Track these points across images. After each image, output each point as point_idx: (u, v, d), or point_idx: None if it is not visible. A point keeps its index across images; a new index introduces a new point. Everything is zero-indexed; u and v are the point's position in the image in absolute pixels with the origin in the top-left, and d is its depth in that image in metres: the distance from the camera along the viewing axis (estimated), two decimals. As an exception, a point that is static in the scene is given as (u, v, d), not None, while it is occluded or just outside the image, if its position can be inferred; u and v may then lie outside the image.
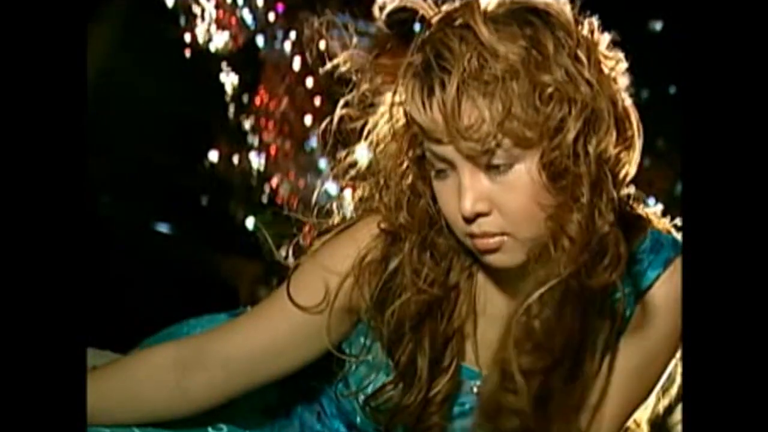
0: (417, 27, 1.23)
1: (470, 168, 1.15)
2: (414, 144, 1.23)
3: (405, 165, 1.25)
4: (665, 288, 1.26)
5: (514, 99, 1.12)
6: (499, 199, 1.16)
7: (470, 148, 1.13)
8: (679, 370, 1.31)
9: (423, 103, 1.15)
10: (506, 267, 1.20)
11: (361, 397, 1.33)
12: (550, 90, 1.13)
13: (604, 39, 1.20)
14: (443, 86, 1.13)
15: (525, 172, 1.15)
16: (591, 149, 1.15)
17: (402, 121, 1.23)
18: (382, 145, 1.27)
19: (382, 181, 1.26)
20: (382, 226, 1.27)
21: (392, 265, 1.26)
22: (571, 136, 1.13)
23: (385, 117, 1.26)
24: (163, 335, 1.47)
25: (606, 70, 1.18)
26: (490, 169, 1.15)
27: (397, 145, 1.25)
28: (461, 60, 1.13)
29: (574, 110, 1.13)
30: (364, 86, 1.25)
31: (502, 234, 1.17)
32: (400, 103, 1.22)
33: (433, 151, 1.18)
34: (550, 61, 1.13)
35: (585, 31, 1.18)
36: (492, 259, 1.19)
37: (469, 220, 1.17)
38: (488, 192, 1.16)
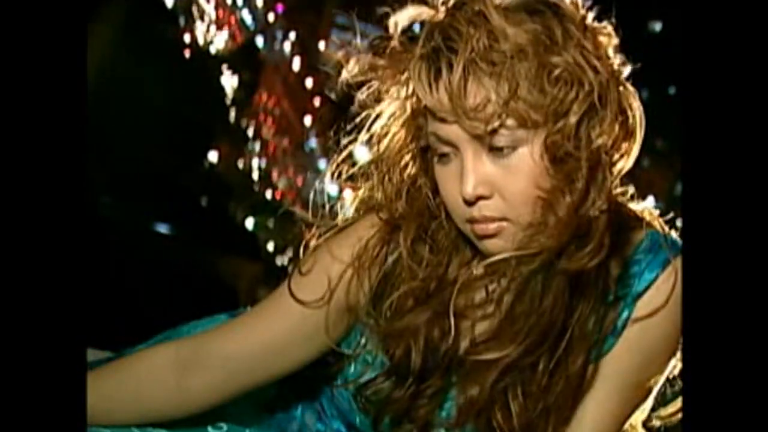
0: (417, 27, 1.23)
1: (473, 150, 1.16)
2: (418, 135, 1.24)
3: (408, 156, 1.26)
4: (663, 289, 1.25)
5: (520, 80, 1.13)
6: (500, 183, 1.16)
7: (474, 128, 1.14)
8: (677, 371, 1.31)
9: (430, 84, 1.16)
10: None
11: (355, 387, 1.33)
12: (557, 73, 1.14)
13: (611, 34, 1.21)
14: (450, 66, 1.14)
15: (528, 155, 1.16)
16: (593, 135, 1.16)
17: (408, 112, 1.24)
18: (386, 138, 1.27)
19: (384, 171, 1.27)
20: (382, 216, 1.27)
21: (392, 257, 1.27)
22: (574, 119, 1.14)
23: (390, 109, 1.26)
24: (161, 339, 1.47)
25: (613, 64, 1.19)
26: (493, 151, 1.16)
27: (401, 137, 1.25)
28: (469, 41, 1.14)
29: (581, 94, 1.15)
30: (371, 80, 1.26)
31: (502, 219, 1.18)
32: (406, 96, 1.22)
33: (438, 133, 1.18)
34: (558, 47, 1.15)
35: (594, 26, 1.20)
36: (490, 245, 1.19)
37: (470, 203, 1.17)
38: (490, 175, 1.16)
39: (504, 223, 1.18)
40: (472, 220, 1.19)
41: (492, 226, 1.18)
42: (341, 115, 1.30)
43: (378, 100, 1.28)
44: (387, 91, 1.26)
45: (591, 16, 1.21)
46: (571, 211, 1.16)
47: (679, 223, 1.29)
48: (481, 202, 1.18)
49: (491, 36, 1.14)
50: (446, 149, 1.19)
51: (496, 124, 1.14)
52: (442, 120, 1.17)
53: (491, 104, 1.14)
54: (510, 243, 1.19)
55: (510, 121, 1.14)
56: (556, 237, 1.16)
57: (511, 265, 1.19)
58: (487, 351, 1.23)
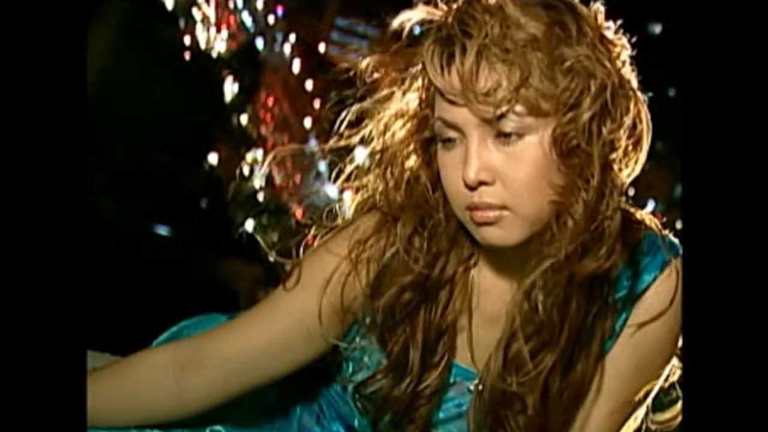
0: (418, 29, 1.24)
1: (479, 135, 1.17)
2: (423, 126, 1.24)
3: (410, 148, 1.27)
4: (662, 290, 1.25)
5: (532, 69, 1.14)
6: (504, 170, 1.17)
7: (483, 111, 1.15)
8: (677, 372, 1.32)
9: (442, 67, 1.17)
10: (502, 245, 1.20)
11: (353, 386, 1.33)
12: (569, 64, 1.15)
13: (625, 45, 1.22)
14: (464, 50, 1.15)
15: (535, 144, 1.16)
16: (605, 131, 1.17)
17: (414, 105, 1.25)
18: (389, 131, 1.28)
19: (386, 162, 1.27)
20: (381, 208, 1.28)
21: (390, 251, 1.27)
22: (586, 113, 1.15)
23: (395, 106, 1.27)
24: (165, 338, 1.47)
25: (623, 67, 1.20)
26: (500, 137, 1.16)
27: (405, 129, 1.27)
28: (484, 27, 1.15)
29: (593, 87, 1.16)
30: (377, 80, 1.27)
31: (502, 207, 1.18)
32: (415, 88, 1.24)
33: (445, 117, 1.19)
34: (571, 40, 1.16)
35: (608, 32, 1.21)
36: (488, 233, 1.19)
37: (471, 188, 1.18)
38: (494, 161, 1.17)
39: (504, 212, 1.18)
40: (471, 207, 1.19)
41: (492, 214, 1.18)
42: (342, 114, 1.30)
43: (377, 101, 1.28)
44: (394, 86, 1.27)
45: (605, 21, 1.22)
46: (587, 210, 1.16)
47: (678, 225, 1.29)
48: (483, 188, 1.18)
49: (506, 24, 1.15)
50: (452, 134, 1.20)
51: (505, 108, 1.14)
52: (452, 102, 1.17)
53: (502, 89, 1.14)
54: (507, 233, 1.19)
55: (519, 108, 1.15)
56: (576, 239, 1.16)
57: (539, 286, 1.20)
58: (501, 347, 1.23)
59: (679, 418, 1.32)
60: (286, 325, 1.30)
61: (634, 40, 1.23)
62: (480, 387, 1.29)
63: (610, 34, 1.21)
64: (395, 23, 1.23)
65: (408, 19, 1.23)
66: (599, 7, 1.21)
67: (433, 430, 1.33)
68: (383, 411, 1.32)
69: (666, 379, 1.31)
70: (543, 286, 1.20)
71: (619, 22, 1.23)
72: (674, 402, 1.32)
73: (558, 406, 1.25)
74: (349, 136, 1.30)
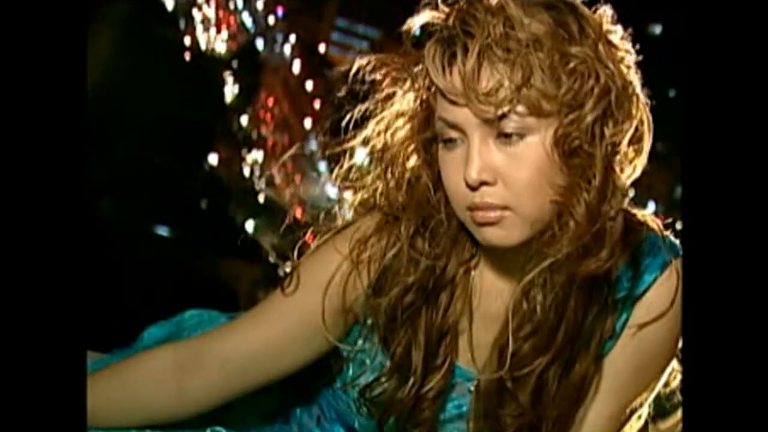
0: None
1: (480, 135, 1.17)
2: (425, 126, 1.24)
3: (411, 148, 1.27)
4: (662, 291, 1.26)
5: (534, 69, 1.14)
6: (505, 170, 1.17)
7: (484, 111, 1.15)
8: (676, 373, 1.32)
9: (443, 67, 1.17)
10: (503, 246, 1.20)
11: (357, 390, 1.33)
12: (571, 65, 1.15)
13: (624, 41, 1.22)
14: (465, 50, 1.16)
15: (537, 144, 1.16)
16: (607, 132, 1.17)
17: (415, 105, 1.25)
18: (390, 131, 1.28)
19: (387, 162, 1.28)
20: (382, 207, 1.28)
21: (391, 252, 1.27)
22: (589, 114, 1.16)
23: (396, 107, 1.27)
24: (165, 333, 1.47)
25: (625, 68, 1.21)
26: (501, 138, 1.17)
27: (406, 129, 1.27)
28: (486, 27, 1.16)
29: (597, 89, 1.16)
30: (381, 76, 1.27)
31: (504, 208, 1.18)
32: (416, 88, 1.24)
33: (446, 117, 1.19)
34: (573, 41, 1.16)
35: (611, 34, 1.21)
36: (490, 234, 1.20)
37: (473, 189, 1.18)
38: (496, 162, 1.17)
39: (506, 212, 1.18)
40: (473, 207, 1.19)
41: (493, 214, 1.19)
42: (343, 115, 1.30)
43: (379, 101, 1.28)
44: (396, 86, 1.27)
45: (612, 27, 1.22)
46: (589, 211, 1.16)
47: (679, 226, 1.29)
48: (484, 188, 1.18)
49: (508, 24, 1.16)
50: (453, 134, 1.20)
51: (506, 108, 1.15)
52: (453, 102, 1.18)
53: (503, 89, 1.15)
54: (508, 233, 1.19)
55: (521, 108, 1.15)
56: (577, 240, 1.17)
57: (537, 285, 1.20)
58: (526, 363, 1.24)
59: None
60: (287, 326, 1.31)
61: (634, 41, 1.23)
62: (478, 388, 1.29)
63: (615, 38, 1.21)
64: (402, 30, 1.24)
65: (413, 24, 1.23)
66: (606, 11, 1.22)
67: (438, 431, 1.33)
68: (387, 414, 1.32)
69: (667, 385, 1.31)
70: (542, 285, 1.20)
71: (620, 23, 1.23)
72: (677, 407, 1.32)
73: (557, 407, 1.26)
74: (351, 138, 1.31)
